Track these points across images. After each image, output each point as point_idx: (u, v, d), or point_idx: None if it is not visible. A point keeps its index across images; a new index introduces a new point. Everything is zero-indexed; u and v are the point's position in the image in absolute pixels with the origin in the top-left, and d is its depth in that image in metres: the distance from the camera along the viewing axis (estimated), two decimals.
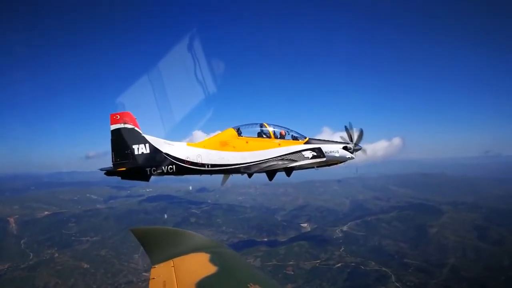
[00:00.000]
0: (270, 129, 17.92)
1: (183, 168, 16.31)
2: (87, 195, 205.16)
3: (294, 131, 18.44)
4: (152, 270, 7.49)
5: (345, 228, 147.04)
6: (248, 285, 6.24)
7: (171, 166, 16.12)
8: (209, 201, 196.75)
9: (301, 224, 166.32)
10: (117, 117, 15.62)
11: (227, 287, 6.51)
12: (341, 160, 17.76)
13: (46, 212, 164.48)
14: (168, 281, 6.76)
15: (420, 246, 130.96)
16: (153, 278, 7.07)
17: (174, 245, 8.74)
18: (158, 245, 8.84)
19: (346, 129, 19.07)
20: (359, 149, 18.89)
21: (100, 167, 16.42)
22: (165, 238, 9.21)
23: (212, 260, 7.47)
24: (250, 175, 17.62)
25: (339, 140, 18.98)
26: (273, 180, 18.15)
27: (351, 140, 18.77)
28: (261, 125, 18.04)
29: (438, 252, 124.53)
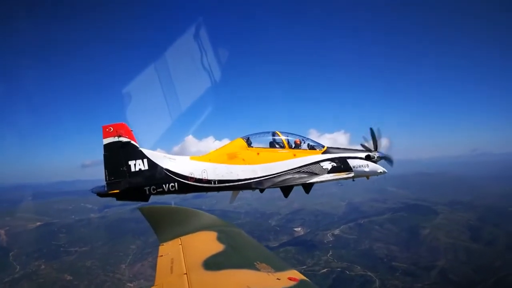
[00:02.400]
0: (284, 138, 16.38)
1: (187, 185, 14.63)
2: (82, 204, 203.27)
3: (310, 139, 17.05)
4: (160, 248, 7.74)
5: (337, 231, 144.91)
6: (255, 263, 6.33)
7: (172, 184, 14.48)
8: (203, 207, 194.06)
9: (295, 229, 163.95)
10: (110, 129, 13.93)
11: (234, 265, 6.43)
12: (371, 175, 15.64)
13: (38, 223, 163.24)
14: (176, 259, 6.87)
15: (411, 249, 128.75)
16: (161, 256, 7.22)
17: (182, 224, 8.96)
18: (166, 223, 9.10)
19: (372, 133, 17.55)
20: (384, 157, 17.34)
21: (91, 188, 14.74)
22: (172, 217, 9.42)
23: (220, 239, 7.64)
24: (262, 191, 16.03)
25: (359, 147, 17.79)
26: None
27: (375, 148, 17.32)
28: (273, 134, 16.51)
29: (428, 254, 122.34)
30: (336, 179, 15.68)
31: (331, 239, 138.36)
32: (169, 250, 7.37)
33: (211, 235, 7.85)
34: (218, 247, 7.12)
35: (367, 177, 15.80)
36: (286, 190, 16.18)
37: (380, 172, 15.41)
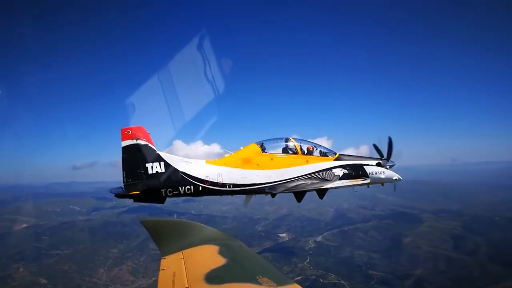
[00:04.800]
0: (297, 144, 16.78)
1: (202, 188, 14.77)
2: (71, 206, 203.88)
3: (323, 146, 17.46)
4: (162, 261, 7.67)
5: (319, 238, 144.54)
6: (257, 277, 6.27)
7: (188, 187, 14.56)
8: (192, 211, 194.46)
9: (280, 234, 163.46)
10: (129, 132, 14.03)
11: (236, 278, 6.40)
12: (386, 181, 16.18)
13: (24, 225, 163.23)
14: (178, 272, 6.90)
15: (392, 257, 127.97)
16: (163, 269, 7.22)
17: (184, 237, 8.89)
18: (167, 236, 8.98)
19: (375, 146, 18.45)
20: (393, 165, 17.87)
21: (111, 188, 14.74)
22: (174, 230, 9.29)
23: (221, 252, 7.61)
24: (273, 196, 16.39)
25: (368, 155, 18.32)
26: None
27: (382, 156, 17.96)
28: (287, 140, 16.91)
29: (408, 262, 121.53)
30: (352, 185, 16.11)
31: (313, 245, 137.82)
32: (170, 264, 7.42)
33: (213, 249, 7.89)
34: (220, 261, 7.15)
35: (382, 184, 16.48)
36: (299, 195, 16.67)
37: (395, 179, 15.93)
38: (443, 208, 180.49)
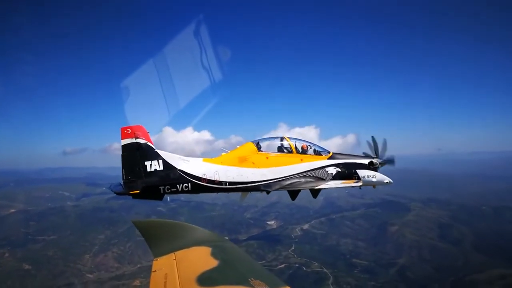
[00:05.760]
0: (292, 143, 16.98)
1: (200, 186, 14.77)
2: (60, 192, 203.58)
3: (317, 145, 17.69)
4: (154, 263, 7.64)
5: (306, 226, 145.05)
6: (249, 280, 6.28)
7: (186, 184, 14.54)
8: (182, 198, 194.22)
9: (268, 222, 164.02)
10: (128, 131, 14.05)
11: (228, 281, 6.42)
12: (378, 184, 16.23)
13: (12, 210, 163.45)
14: (170, 274, 6.89)
15: (378, 245, 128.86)
16: (155, 271, 7.20)
17: (176, 238, 8.85)
18: (160, 238, 8.97)
19: (369, 144, 18.67)
20: (385, 163, 18.18)
21: (110, 184, 14.79)
22: (167, 231, 9.27)
23: (214, 254, 7.58)
24: (268, 193, 16.55)
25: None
26: None
27: (376, 154, 18.26)
28: (282, 139, 17.11)
29: (393, 251, 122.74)
30: (344, 187, 16.34)
31: (299, 233, 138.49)
32: (162, 265, 7.38)
33: (206, 251, 7.82)
34: (213, 263, 7.10)
35: (374, 186, 16.48)
36: (293, 193, 17.18)
37: (386, 182, 16.08)
38: (432, 197, 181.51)
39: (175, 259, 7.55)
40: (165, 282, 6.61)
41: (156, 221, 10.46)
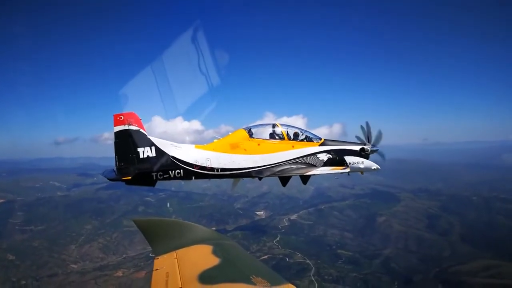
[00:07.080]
0: (283, 130, 17.05)
1: (191, 172, 14.91)
2: (51, 182, 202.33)
3: (308, 132, 17.77)
4: (155, 261, 7.65)
5: (294, 216, 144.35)
6: (251, 277, 6.29)
7: (178, 171, 14.69)
8: (172, 188, 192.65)
9: (257, 212, 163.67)
10: (121, 118, 14.03)
11: (229, 278, 6.39)
12: (365, 171, 16.41)
13: (1, 200, 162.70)
14: (171, 272, 6.91)
15: (364, 236, 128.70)
16: (156, 269, 7.21)
17: (177, 237, 8.85)
18: (161, 236, 8.98)
19: (362, 128, 18.64)
20: (376, 151, 18.25)
21: (103, 171, 15.07)
22: (168, 230, 9.30)
23: (215, 252, 7.61)
24: (260, 179, 16.73)
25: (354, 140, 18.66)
26: None
27: (368, 141, 18.30)
28: (274, 125, 17.16)
29: (379, 242, 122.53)
30: (332, 173, 16.41)
31: (286, 224, 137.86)
32: (164, 264, 7.41)
33: (207, 249, 7.82)
34: (214, 261, 7.10)
35: (361, 173, 16.65)
36: (284, 179, 17.04)
37: (374, 168, 16.21)
38: (423, 187, 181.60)
39: (176, 258, 7.60)
40: (166, 281, 6.63)
41: (157, 220, 10.40)
